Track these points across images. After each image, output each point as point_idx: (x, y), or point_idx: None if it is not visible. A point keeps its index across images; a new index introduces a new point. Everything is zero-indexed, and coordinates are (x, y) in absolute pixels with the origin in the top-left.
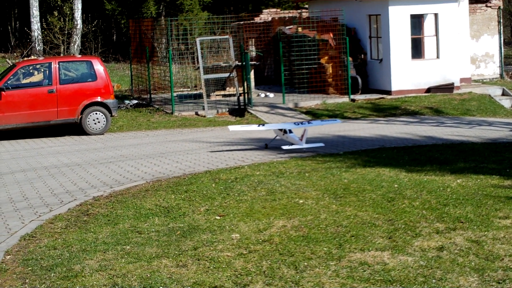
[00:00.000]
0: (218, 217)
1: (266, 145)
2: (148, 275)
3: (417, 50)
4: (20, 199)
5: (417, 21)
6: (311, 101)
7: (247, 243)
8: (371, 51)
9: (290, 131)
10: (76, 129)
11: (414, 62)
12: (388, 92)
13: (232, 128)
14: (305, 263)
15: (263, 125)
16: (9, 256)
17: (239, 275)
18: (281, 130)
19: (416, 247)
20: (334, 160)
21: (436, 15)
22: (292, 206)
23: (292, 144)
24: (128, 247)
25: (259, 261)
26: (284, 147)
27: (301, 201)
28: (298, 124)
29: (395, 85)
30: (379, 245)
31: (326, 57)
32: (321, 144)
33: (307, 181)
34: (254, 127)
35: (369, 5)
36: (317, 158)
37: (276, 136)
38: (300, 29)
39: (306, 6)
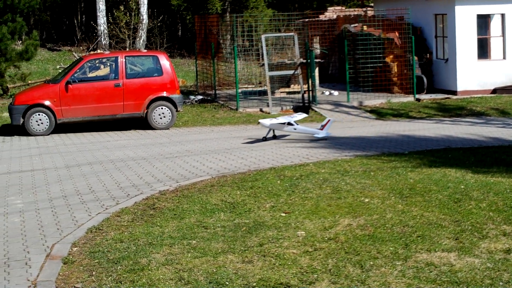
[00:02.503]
0: (284, 214)
1: (264, 138)
2: (214, 270)
3: (483, 50)
4: (87, 191)
5: (483, 21)
6: (376, 100)
7: (313, 240)
8: (437, 50)
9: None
10: (142, 123)
11: (480, 62)
12: (454, 92)
13: (262, 121)
14: (371, 262)
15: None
16: (76, 248)
17: (304, 273)
18: (283, 123)
19: (483, 249)
20: (399, 159)
21: (503, 15)
22: (358, 204)
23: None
24: (194, 241)
25: (325, 259)
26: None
27: (366, 200)
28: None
29: (461, 85)
30: (445, 246)
31: (391, 56)
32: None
33: (373, 180)
34: (281, 119)
35: (435, 5)
36: (382, 157)
37: (270, 130)
38: (365, 27)
39: (372, 4)
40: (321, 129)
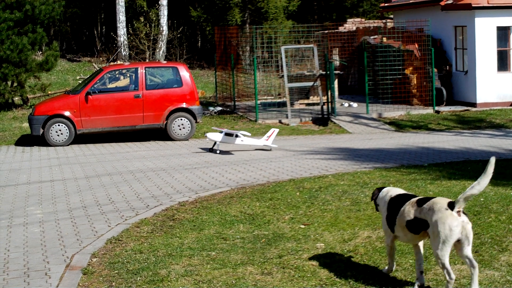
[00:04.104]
0: (303, 226)
1: (211, 149)
2: (234, 281)
3: (503, 62)
4: (107, 202)
5: (503, 33)
6: (395, 112)
7: (332, 253)
8: (457, 62)
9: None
10: (161, 134)
11: (500, 74)
12: (473, 104)
13: (209, 135)
14: (391, 275)
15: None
16: (95, 259)
17: (324, 285)
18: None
19: (502, 261)
20: (418, 171)
21: None
22: (377, 217)
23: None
24: (213, 253)
25: (345, 271)
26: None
27: None
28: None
29: (480, 98)
30: None
31: (410, 68)
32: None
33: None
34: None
35: (455, 17)
36: (402, 170)
37: (216, 142)
38: (385, 39)
39: (391, 16)
40: (267, 140)
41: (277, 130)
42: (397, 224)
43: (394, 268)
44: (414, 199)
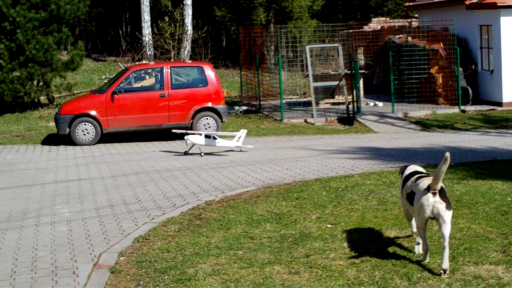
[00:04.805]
0: (330, 225)
1: (186, 152)
2: (261, 281)
3: None
4: (133, 201)
5: None
6: (421, 111)
7: (359, 252)
8: (482, 61)
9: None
10: None
11: None
12: (499, 104)
13: (190, 137)
14: (418, 275)
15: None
16: (123, 258)
17: (351, 284)
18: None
19: None
20: (445, 171)
21: None
22: (404, 216)
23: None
24: (240, 252)
25: (372, 271)
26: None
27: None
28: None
29: (506, 97)
30: (493, 259)
31: (436, 67)
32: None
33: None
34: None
35: (480, 16)
36: (428, 169)
37: (193, 145)
38: (410, 38)
39: (416, 15)
40: (237, 141)
41: (245, 131)
42: (402, 197)
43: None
44: (416, 176)
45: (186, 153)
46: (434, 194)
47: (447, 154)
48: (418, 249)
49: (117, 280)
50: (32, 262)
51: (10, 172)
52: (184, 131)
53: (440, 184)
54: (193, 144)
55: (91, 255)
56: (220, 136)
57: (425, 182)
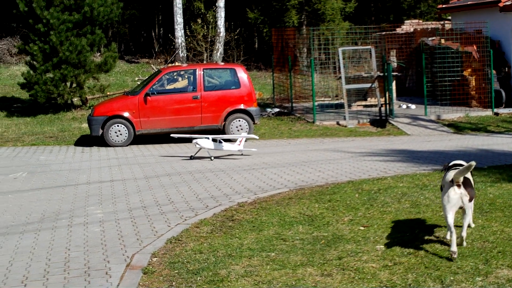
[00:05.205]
0: (362, 228)
1: (191, 156)
2: (293, 282)
3: None
4: (166, 202)
5: None
6: (454, 114)
7: (392, 255)
8: None
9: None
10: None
11: None
12: None
13: (200, 141)
14: (451, 278)
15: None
16: (155, 259)
17: (384, 287)
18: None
19: None
20: (478, 174)
21: None
22: (437, 219)
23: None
24: (273, 254)
25: (405, 273)
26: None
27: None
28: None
29: None
30: None
31: (469, 70)
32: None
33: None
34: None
35: None
36: None
37: (200, 149)
38: (443, 41)
39: (449, 17)
40: (239, 144)
41: (245, 135)
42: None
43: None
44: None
45: (192, 158)
46: (458, 186)
47: (472, 163)
48: (451, 238)
49: (150, 281)
50: (65, 263)
51: (43, 173)
52: (183, 135)
53: (462, 177)
54: (200, 148)
55: (124, 256)
56: (225, 140)
57: (450, 175)
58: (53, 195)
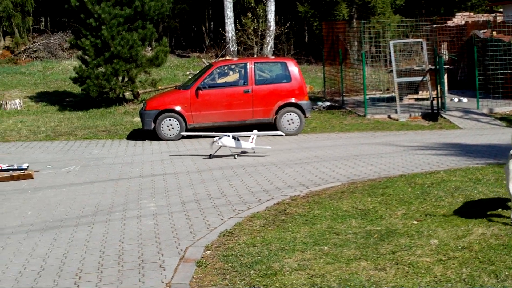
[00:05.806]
0: (416, 222)
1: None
2: (347, 276)
3: None
4: (219, 196)
5: None
6: (506, 107)
7: (446, 249)
8: None
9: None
10: (269, 129)
11: None
12: None
13: (223, 141)
14: (506, 272)
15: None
16: (209, 252)
17: (438, 282)
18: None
19: None
20: None
21: None
22: (491, 214)
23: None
24: (326, 247)
25: (459, 268)
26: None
27: (500, 209)
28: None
29: None
30: None
31: None
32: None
33: (506, 188)
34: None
35: None
36: None
37: (219, 147)
38: (494, 33)
39: (501, 9)
40: (251, 142)
41: (256, 132)
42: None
43: None
44: None
45: (211, 156)
46: None
47: None
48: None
49: (204, 274)
50: (119, 256)
51: (96, 166)
52: (191, 133)
53: None
54: (220, 147)
55: (178, 249)
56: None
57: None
58: (106, 188)
